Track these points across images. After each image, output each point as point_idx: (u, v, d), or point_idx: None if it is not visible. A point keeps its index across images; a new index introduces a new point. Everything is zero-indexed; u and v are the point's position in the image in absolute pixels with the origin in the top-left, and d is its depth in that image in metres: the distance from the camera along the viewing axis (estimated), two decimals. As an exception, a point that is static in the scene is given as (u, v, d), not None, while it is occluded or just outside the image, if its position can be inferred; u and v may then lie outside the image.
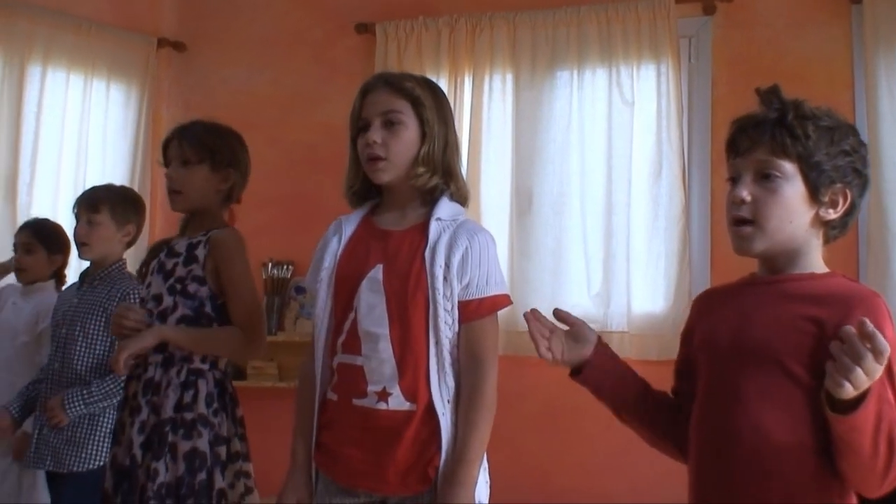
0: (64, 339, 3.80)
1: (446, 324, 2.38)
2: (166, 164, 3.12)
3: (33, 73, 5.48)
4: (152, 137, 5.88)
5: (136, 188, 5.17)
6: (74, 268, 4.72)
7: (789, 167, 2.00)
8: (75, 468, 3.66)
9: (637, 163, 5.01)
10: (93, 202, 3.84)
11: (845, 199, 2.04)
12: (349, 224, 2.61)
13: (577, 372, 2.29)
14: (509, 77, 5.32)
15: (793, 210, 2.01)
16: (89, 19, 5.72)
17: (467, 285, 2.40)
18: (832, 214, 2.04)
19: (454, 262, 2.38)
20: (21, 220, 4.94)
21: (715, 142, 4.95)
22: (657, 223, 4.95)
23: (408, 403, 2.37)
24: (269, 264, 5.54)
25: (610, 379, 2.29)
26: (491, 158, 5.25)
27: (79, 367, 3.73)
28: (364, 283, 2.44)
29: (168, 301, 3.00)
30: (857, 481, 1.91)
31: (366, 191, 2.60)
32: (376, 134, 2.46)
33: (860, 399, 1.76)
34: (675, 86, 4.97)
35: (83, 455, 3.66)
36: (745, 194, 2.02)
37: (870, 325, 1.70)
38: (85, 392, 3.62)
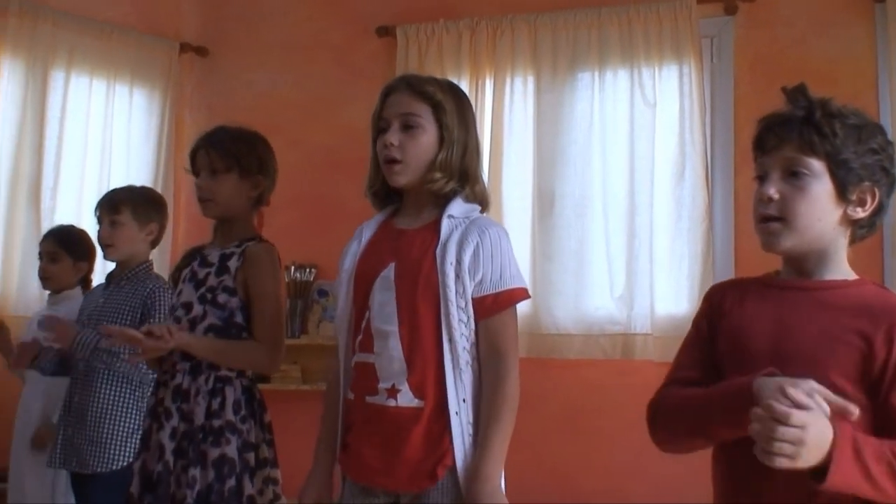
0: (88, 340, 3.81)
1: (461, 321, 2.37)
2: (195, 173, 3.12)
3: (56, 78, 5.51)
4: (175, 142, 5.91)
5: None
6: (100, 272, 4.75)
7: (817, 165, 1.99)
8: (99, 469, 3.67)
9: (659, 164, 4.99)
10: (113, 203, 3.87)
11: (873, 197, 2.02)
12: (369, 227, 2.62)
13: None
14: (530, 79, 5.31)
15: (821, 208, 2.00)
16: (112, 24, 5.75)
17: (481, 281, 2.39)
18: (860, 213, 2.03)
19: (465, 259, 2.38)
20: (45, 225, 4.98)
21: (738, 142, 4.93)
22: (680, 224, 4.93)
23: (416, 400, 2.37)
24: (292, 267, 5.55)
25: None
26: (512, 161, 5.24)
27: (105, 367, 3.74)
28: (377, 282, 2.46)
29: (198, 309, 3.01)
30: None
31: (386, 191, 2.60)
32: (394, 136, 2.47)
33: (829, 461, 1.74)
34: (697, 86, 4.95)
35: (107, 456, 3.68)
36: (773, 192, 2.00)
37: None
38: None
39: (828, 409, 1.75)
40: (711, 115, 5.05)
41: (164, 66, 6.00)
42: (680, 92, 4.99)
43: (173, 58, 6.03)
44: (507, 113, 5.30)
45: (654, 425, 2.17)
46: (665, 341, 4.84)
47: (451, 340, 2.37)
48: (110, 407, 3.72)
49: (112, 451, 3.68)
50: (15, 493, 4.44)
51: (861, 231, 2.07)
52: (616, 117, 5.12)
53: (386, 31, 5.66)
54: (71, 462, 3.74)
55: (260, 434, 2.99)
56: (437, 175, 2.46)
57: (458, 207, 2.47)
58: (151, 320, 3.66)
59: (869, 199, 2.02)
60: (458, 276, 2.37)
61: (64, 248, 4.45)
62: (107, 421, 3.70)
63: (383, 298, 2.44)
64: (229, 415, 2.92)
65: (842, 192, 2.00)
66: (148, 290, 3.80)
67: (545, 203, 5.17)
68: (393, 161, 2.47)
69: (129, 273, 3.88)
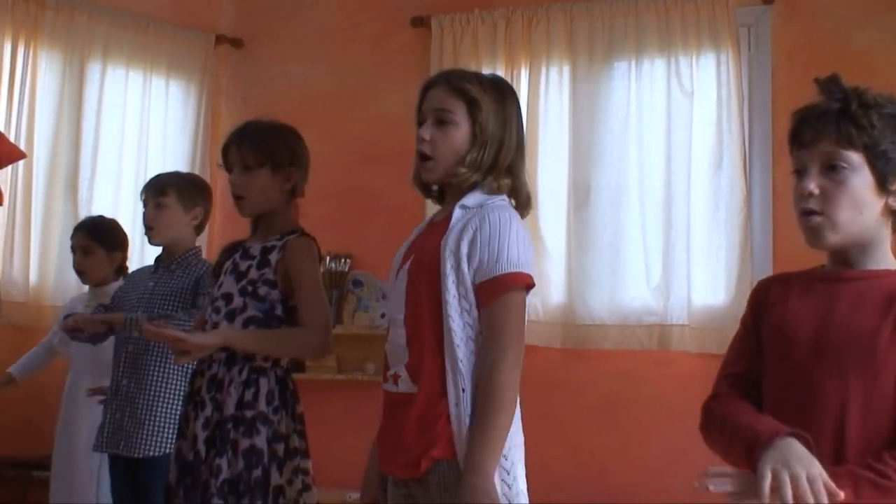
0: (140, 322, 3.83)
1: (464, 310, 2.36)
2: (228, 169, 3.13)
3: (93, 70, 5.56)
4: (211, 134, 5.94)
5: (195, 183, 5.22)
6: (136, 262, 4.78)
7: (856, 158, 1.97)
8: (151, 453, 3.68)
9: (697, 153, 4.96)
10: (160, 186, 3.89)
11: None
12: (423, 223, 2.67)
13: None
14: (566, 69, 5.29)
15: (862, 201, 1.98)
16: (148, 17, 5.79)
17: (478, 267, 2.36)
18: None
19: (464, 246, 2.37)
20: (82, 215, 5.01)
21: (776, 132, 4.88)
22: (718, 214, 4.89)
23: (413, 386, 2.38)
24: (328, 258, 5.56)
25: None
26: (548, 152, 5.22)
27: (154, 350, 3.74)
28: (400, 273, 2.50)
29: (238, 301, 3.01)
30: None
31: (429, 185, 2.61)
32: (426, 131, 2.48)
33: None
34: (734, 75, 4.91)
35: (157, 439, 3.68)
36: (813, 187, 1.98)
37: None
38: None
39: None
40: (749, 105, 5.01)
41: (200, 58, 6.03)
42: (717, 81, 4.96)
43: (209, 50, 6.06)
44: (542, 103, 5.28)
45: (703, 431, 2.18)
46: (702, 332, 4.82)
47: (449, 329, 2.35)
48: (160, 390, 3.72)
49: (162, 435, 3.68)
50: (59, 481, 4.48)
51: None
52: (653, 106, 5.09)
53: (420, 22, 5.65)
54: (118, 445, 3.75)
55: (291, 424, 2.98)
56: (463, 170, 2.46)
57: (473, 198, 2.47)
58: (199, 303, 3.66)
59: None
60: (457, 264, 2.37)
61: (96, 240, 4.46)
62: (157, 404, 3.70)
63: (398, 289, 2.47)
64: (262, 405, 2.92)
65: (882, 184, 1.98)
66: (198, 274, 3.82)
67: (581, 194, 5.15)
68: (424, 157, 2.49)
69: (179, 258, 3.88)
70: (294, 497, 2.92)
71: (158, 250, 4.00)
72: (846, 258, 2.05)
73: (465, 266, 2.36)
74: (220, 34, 6.11)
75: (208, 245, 5.46)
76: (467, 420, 2.32)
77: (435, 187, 2.60)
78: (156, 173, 4.13)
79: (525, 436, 2.44)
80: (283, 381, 3.01)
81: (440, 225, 2.49)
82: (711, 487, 1.88)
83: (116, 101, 5.67)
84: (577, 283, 5.06)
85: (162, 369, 3.74)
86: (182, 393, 3.69)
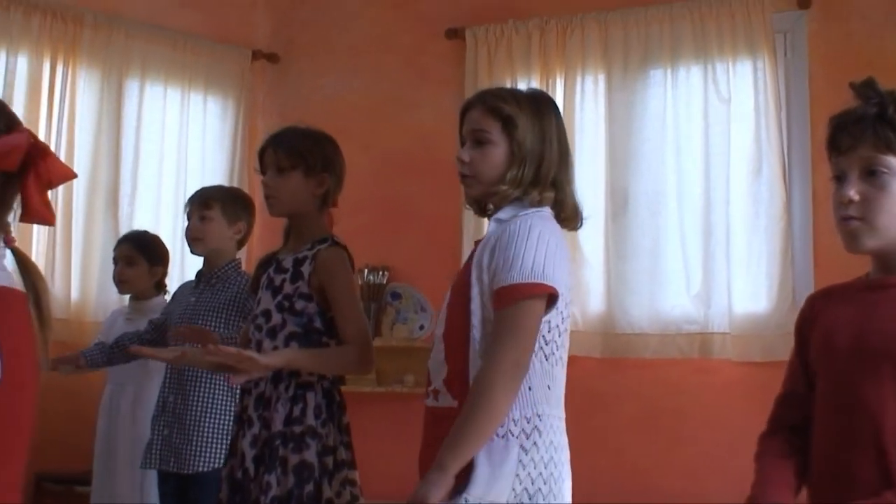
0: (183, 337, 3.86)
1: (486, 320, 2.35)
2: (262, 171, 3.15)
3: (131, 87, 5.61)
4: (249, 149, 5.96)
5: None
6: (177, 278, 4.82)
7: (895, 162, 1.95)
8: (201, 468, 3.70)
9: (735, 160, 4.92)
10: (204, 199, 3.94)
11: None
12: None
13: None
14: (601, 78, 5.28)
15: None
16: (185, 33, 5.83)
17: (493, 276, 2.34)
18: None
19: (485, 258, 2.38)
20: (123, 232, 5.05)
21: (814, 137, 4.84)
22: (758, 221, 4.85)
23: (453, 401, 2.38)
24: (365, 270, 5.56)
25: None
26: (584, 161, 5.20)
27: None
28: (449, 292, 2.52)
29: (277, 318, 3.03)
30: None
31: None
32: (465, 153, 2.50)
33: None
34: (771, 81, 4.88)
35: (207, 455, 3.70)
36: (853, 193, 1.97)
37: None
38: None
39: None
40: (787, 111, 4.97)
41: (237, 73, 6.07)
42: (754, 87, 4.93)
43: (245, 65, 6.09)
44: (578, 112, 5.27)
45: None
46: (744, 340, 4.78)
47: (473, 339, 2.35)
48: (206, 406, 3.75)
49: (212, 450, 3.70)
50: (99, 495, 4.49)
51: None
52: (690, 114, 5.07)
53: (455, 34, 5.65)
54: (168, 462, 3.77)
55: (338, 437, 3.00)
56: (504, 188, 2.46)
57: (507, 211, 2.46)
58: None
59: None
60: (479, 275, 2.37)
61: (140, 252, 4.51)
62: (204, 420, 3.73)
63: (444, 307, 2.50)
64: (310, 420, 2.94)
65: None
66: (238, 288, 3.84)
67: (618, 202, 5.13)
68: (465, 176, 2.51)
69: (218, 271, 3.92)
70: None
71: (198, 265, 4.03)
72: (886, 263, 2.03)
73: (485, 277, 2.36)
74: (257, 49, 6.15)
75: (247, 258, 5.50)
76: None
77: (490, 206, 2.58)
78: (197, 188, 4.17)
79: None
80: (330, 393, 3.03)
81: (481, 241, 2.49)
82: None
83: (155, 117, 5.72)
84: (616, 291, 5.04)
85: (208, 385, 3.77)
86: (229, 408, 3.74)
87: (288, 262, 3.07)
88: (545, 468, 2.32)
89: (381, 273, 5.65)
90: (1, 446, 1.41)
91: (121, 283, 4.57)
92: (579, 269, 4.97)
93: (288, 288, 3.03)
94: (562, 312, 2.39)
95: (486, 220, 2.62)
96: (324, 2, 6.14)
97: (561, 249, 2.39)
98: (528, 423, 2.31)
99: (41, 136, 5.07)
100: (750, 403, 4.63)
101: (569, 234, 2.53)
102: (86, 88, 5.45)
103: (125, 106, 5.56)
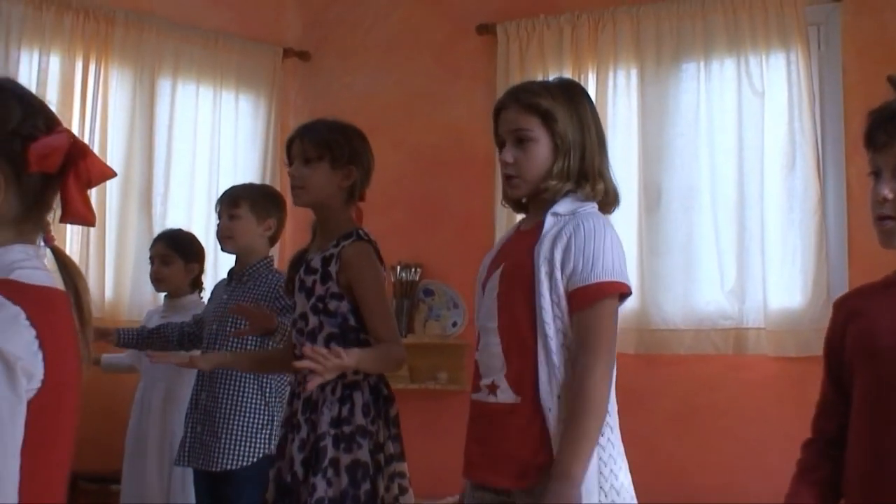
0: (215, 334, 3.87)
1: (556, 317, 2.36)
2: (290, 162, 3.16)
3: (164, 86, 5.64)
4: (280, 146, 5.96)
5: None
6: (210, 275, 4.84)
7: None
8: (229, 466, 3.71)
9: (769, 154, 4.88)
10: (233, 198, 3.95)
11: None
12: (507, 234, 2.68)
13: None
14: (633, 72, 5.26)
15: None
16: (216, 32, 5.85)
17: (571, 274, 2.36)
18: None
19: (557, 253, 2.37)
20: (156, 231, 5.07)
21: (848, 131, 4.80)
22: (792, 216, 4.81)
23: (515, 396, 2.38)
24: (398, 267, 5.57)
25: None
26: (617, 155, 5.14)
27: None
28: (489, 282, 2.50)
29: (314, 321, 3.04)
30: None
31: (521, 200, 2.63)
32: (508, 154, 2.49)
33: None
34: (805, 75, 4.84)
35: (234, 453, 3.71)
36: (887, 192, 1.95)
37: None
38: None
39: None
40: (820, 104, 4.92)
41: (268, 71, 6.08)
42: (788, 80, 4.89)
43: (277, 63, 6.11)
44: (610, 107, 5.25)
45: None
46: (779, 335, 4.75)
47: (545, 336, 2.36)
48: (236, 404, 3.75)
49: (240, 449, 3.71)
50: (129, 490, 4.52)
51: None
52: (723, 107, 5.03)
53: (486, 29, 5.64)
54: (198, 460, 3.79)
55: (386, 431, 3.01)
56: (553, 183, 2.46)
57: (564, 205, 2.46)
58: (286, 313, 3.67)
59: None
60: (551, 271, 2.37)
61: (176, 250, 4.54)
62: (233, 418, 3.74)
63: (489, 297, 2.48)
64: (359, 419, 2.94)
65: None
66: (272, 285, 3.84)
67: (651, 197, 5.11)
68: (510, 176, 2.51)
69: (250, 269, 3.92)
70: (391, 503, 2.95)
71: (231, 263, 4.05)
72: None
73: (558, 273, 2.36)
74: (288, 47, 6.16)
75: (279, 256, 5.51)
76: (561, 426, 2.32)
77: (524, 199, 2.60)
78: (228, 186, 4.19)
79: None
80: (376, 388, 3.03)
81: (530, 233, 2.48)
82: None
83: (187, 116, 5.74)
84: (649, 287, 5.01)
85: (238, 383, 3.78)
86: (259, 406, 3.75)
87: (316, 262, 3.07)
88: (615, 463, 2.37)
89: (413, 270, 5.65)
90: (44, 447, 1.42)
91: (157, 281, 4.60)
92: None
93: (319, 289, 3.03)
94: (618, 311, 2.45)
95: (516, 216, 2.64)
96: (355, -1, 6.15)
97: (622, 248, 2.45)
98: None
99: (74, 136, 5.15)
100: (785, 399, 4.62)
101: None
102: (118, 87, 5.48)
103: (157, 105, 5.58)
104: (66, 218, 1.53)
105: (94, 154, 1.55)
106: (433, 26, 5.90)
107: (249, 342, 3.79)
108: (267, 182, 5.77)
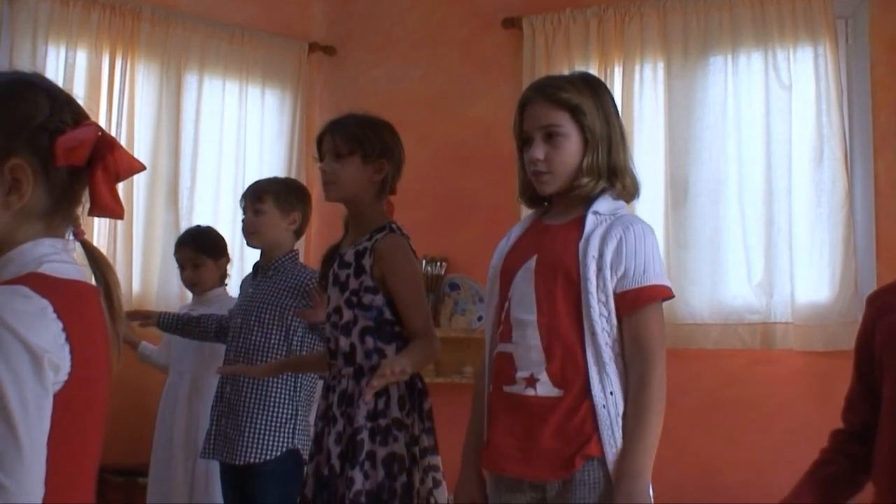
0: (239, 328, 3.88)
1: (602, 315, 2.38)
2: (320, 158, 3.16)
3: (190, 81, 5.67)
4: (306, 141, 5.99)
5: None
6: (236, 270, 4.85)
7: None
8: (252, 460, 3.72)
9: (797, 148, 4.85)
10: (257, 193, 3.96)
11: None
12: (519, 226, 2.67)
13: None
14: (660, 65, 5.23)
15: None
16: (242, 27, 5.87)
17: (623, 276, 2.38)
18: None
19: (608, 254, 2.38)
20: (183, 225, 5.09)
21: (876, 125, 4.76)
22: (820, 210, 4.78)
23: (556, 389, 2.39)
24: (423, 261, 5.56)
25: None
26: (644, 149, 5.16)
27: (254, 357, 3.79)
28: (518, 273, 2.49)
29: (348, 315, 3.04)
30: None
31: (537, 194, 2.62)
32: (538, 150, 2.48)
33: None
34: (833, 68, 4.80)
35: (258, 446, 3.72)
36: None
37: None
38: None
39: None
40: (848, 98, 4.88)
41: (294, 66, 6.10)
42: (815, 74, 4.85)
43: (302, 58, 6.12)
44: (636, 100, 5.23)
45: None
46: (807, 330, 4.72)
47: (593, 334, 2.37)
48: (260, 398, 3.76)
49: (263, 442, 3.72)
50: (156, 483, 4.54)
51: None
52: (751, 101, 5.00)
53: (512, 23, 5.62)
54: (222, 452, 3.81)
55: (420, 424, 3.01)
56: (585, 180, 2.47)
57: (604, 204, 2.48)
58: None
59: None
60: (599, 270, 2.38)
61: (203, 251, 4.56)
62: (257, 412, 3.74)
63: (523, 289, 2.47)
64: (394, 412, 2.95)
65: None
66: (299, 281, 3.85)
67: (678, 191, 5.09)
68: (540, 173, 2.50)
69: (276, 263, 3.93)
70: (426, 496, 2.95)
71: (257, 256, 4.06)
72: None
73: (607, 273, 2.38)
74: (314, 42, 6.17)
75: (305, 250, 5.52)
76: (618, 421, 2.36)
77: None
78: (253, 180, 4.19)
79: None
80: (411, 382, 3.02)
81: (564, 228, 2.49)
82: None
83: (214, 110, 5.77)
84: (676, 281, 4.98)
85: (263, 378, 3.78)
86: (284, 401, 3.76)
87: (350, 256, 3.07)
88: None
89: (439, 264, 5.65)
90: (72, 439, 1.42)
91: (193, 286, 4.63)
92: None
93: (353, 283, 3.04)
94: None
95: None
96: (380, -7, 6.15)
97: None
98: None
99: (101, 131, 5.18)
100: (813, 393, 4.60)
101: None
102: (144, 82, 5.51)
103: (184, 99, 5.61)
104: (94, 211, 1.53)
105: (121, 147, 1.55)
106: (459, 20, 5.89)
107: (274, 336, 3.80)
108: (293, 175, 5.80)
